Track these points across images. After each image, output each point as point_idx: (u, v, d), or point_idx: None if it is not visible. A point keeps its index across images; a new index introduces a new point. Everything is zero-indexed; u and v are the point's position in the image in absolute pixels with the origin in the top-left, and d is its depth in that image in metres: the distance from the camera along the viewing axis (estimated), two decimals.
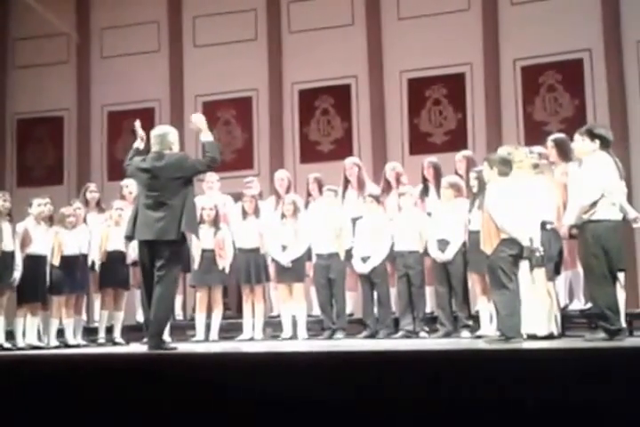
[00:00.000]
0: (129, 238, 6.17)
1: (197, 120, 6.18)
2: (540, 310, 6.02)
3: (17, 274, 7.28)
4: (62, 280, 7.65)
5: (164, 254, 5.84)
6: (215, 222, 8.01)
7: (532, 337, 5.91)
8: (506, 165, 5.87)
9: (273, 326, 8.30)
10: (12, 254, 7.24)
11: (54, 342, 7.64)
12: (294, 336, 7.77)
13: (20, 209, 7.66)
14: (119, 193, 8.70)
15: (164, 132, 6.14)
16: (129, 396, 4.44)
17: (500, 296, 5.66)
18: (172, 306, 6.71)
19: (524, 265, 5.87)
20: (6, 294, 7.33)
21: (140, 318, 8.25)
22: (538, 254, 5.83)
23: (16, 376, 4.69)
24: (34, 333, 7.56)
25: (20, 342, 7.39)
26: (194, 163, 6.07)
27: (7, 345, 7.27)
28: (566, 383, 3.85)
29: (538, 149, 6.78)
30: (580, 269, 6.58)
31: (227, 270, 7.95)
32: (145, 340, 5.90)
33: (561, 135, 7.08)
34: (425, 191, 7.97)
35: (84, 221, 8.15)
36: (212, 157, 5.99)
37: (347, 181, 8.37)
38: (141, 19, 12.23)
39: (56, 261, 7.62)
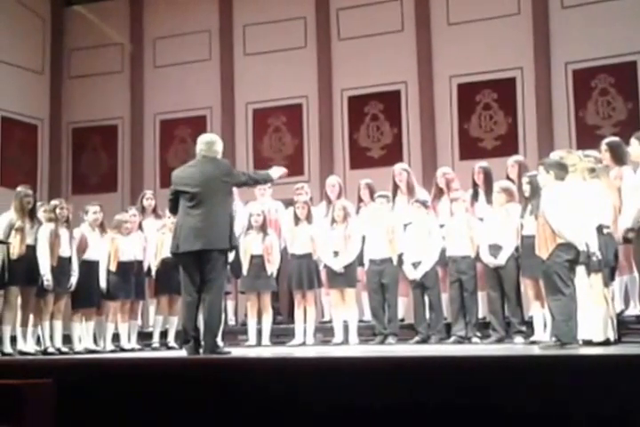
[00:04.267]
0: (176, 255, 6.17)
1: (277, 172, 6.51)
2: (597, 315, 5.95)
3: (74, 279, 7.43)
4: (118, 286, 7.78)
5: (213, 261, 5.91)
6: (263, 228, 8.06)
7: (588, 343, 5.83)
8: (562, 169, 5.82)
9: (324, 331, 8.32)
10: (69, 260, 7.39)
11: (110, 347, 7.77)
12: (345, 342, 7.77)
13: (76, 216, 7.81)
14: None
15: (214, 140, 6.29)
16: (184, 399, 4.50)
17: (555, 302, 5.60)
18: (222, 311, 6.76)
19: (580, 270, 5.80)
20: (64, 299, 7.47)
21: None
22: (595, 259, 5.76)
23: (74, 379, 4.78)
24: (90, 337, 7.71)
25: (77, 346, 7.53)
26: (239, 172, 6.38)
27: (64, 349, 7.42)
28: (622, 390, 3.81)
29: (591, 153, 6.70)
30: (636, 274, 6.50)
31: (274, 275, 8.01)
32: (187, 345, 5.95)
33: (615, 139, 6.98)
34: (475, 196, 7.94)
35: (140, 227, 8.30)
36: (256, 178, 6.45)
37: (396, 187, 8.37)
38: (193, 28, 12.39)
39: (112, 267, 7.76)
